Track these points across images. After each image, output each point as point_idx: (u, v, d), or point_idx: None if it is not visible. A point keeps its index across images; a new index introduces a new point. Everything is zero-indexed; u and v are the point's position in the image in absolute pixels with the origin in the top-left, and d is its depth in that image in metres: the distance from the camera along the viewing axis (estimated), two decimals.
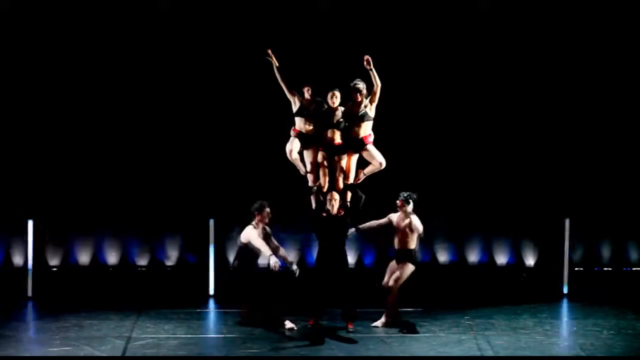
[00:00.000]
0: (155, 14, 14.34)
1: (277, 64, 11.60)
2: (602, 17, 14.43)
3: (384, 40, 14.29)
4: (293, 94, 11.63)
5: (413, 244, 11.56)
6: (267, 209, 11.82)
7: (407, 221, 11.54)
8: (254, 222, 11.80)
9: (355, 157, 11.65)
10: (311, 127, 11.58)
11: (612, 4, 14.41)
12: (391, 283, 11.55)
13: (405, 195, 11.55)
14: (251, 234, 11.70)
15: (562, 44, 14.51)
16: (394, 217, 11.67)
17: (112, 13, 14.26)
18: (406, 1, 14.42)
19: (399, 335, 11.30)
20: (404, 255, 11.54)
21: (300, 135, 11.61)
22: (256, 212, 11.80)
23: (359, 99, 11.49)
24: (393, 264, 11.64)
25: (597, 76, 14.54)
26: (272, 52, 11.59)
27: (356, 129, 11.52)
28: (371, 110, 11.53)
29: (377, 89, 11.44)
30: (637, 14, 14.44)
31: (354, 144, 11.56)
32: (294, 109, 11.62)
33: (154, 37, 14.35)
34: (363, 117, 11.48)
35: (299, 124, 11.61)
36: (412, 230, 11.51)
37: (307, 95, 11.58)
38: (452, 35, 14.47)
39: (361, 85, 11.48)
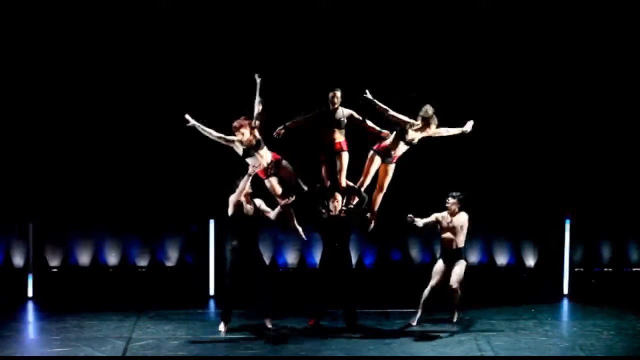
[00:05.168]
0: (155, 14, 14.34)
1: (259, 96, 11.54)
2: (602, 16, 14.43)
3: (384, 40, 14.30)
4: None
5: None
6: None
7: (460, 219, 11.72)
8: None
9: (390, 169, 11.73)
10: (264, 161, 11.45)
11: (612, 4, 14.41)
12: (455, 285, 11.63)
13: (458, 195, 11.79)
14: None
15: (562, 43, 14.51)
16: (441, 216, 11.84)
17: (112, 13, 14.26)
18: (406, 1, 14.43)
19: (399, 335, 11.31)
20: (458, 254, 11.74)
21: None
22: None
23: (430, 127, 11.64)
24: (440, 265, 11.75)
25: (597, 76, 14.55)
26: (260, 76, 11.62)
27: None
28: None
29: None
30: (637, 14, 14.45)
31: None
32: (240, 151, 11.49)
33: (154, 37, 14.35)
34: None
35: (254, 161, 11.44)
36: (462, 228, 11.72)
37: (246, 134, 11.39)
38: (452, 35, 14.47)
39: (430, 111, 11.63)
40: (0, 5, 14.16)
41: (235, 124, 11.41)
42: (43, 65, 14.27)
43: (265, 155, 11.47)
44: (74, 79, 14.35)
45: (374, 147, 11.74)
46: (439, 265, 11.75)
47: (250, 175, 11.21)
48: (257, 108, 11.56)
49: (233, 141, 11.42)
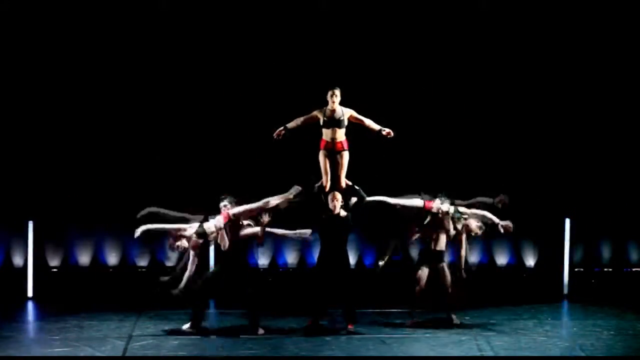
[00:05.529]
0: (155, 14, 14.35)
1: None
2: (602, 17, 14.44)
3: (384, 40, 14.30)
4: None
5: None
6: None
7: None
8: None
9: None
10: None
11: (612, 4, 14.42)
12: (449, 289, 11.67)
13: (443, 195, 11.68)
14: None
15: (562, 43, 14.51)
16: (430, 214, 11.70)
17: (112, 13, 14.27)
18: (406, 1, 14.43)
19: (399, 335, 11.31)
20: (441, 255, 11.68)
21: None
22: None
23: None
24: (424, 270, 11.68)
25: (597, 76, 14.55)
26: None
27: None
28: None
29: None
30: (637, 14, 14.45)
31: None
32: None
33: (154, 37, 14.35)
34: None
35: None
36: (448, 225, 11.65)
37: (190, 233, 11.36)
38: (452, 35, 14.47)
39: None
40: (0, 5, 14.18)
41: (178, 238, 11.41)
42: (43, 65, 14.28)
43: (217, 220, 11.39)
44: (75, 79, 14.35)
45: (426, 199, 11.71)
46: (423, 270, 11.69)
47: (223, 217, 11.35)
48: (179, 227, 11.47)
49: (187, 243, 11.40)
